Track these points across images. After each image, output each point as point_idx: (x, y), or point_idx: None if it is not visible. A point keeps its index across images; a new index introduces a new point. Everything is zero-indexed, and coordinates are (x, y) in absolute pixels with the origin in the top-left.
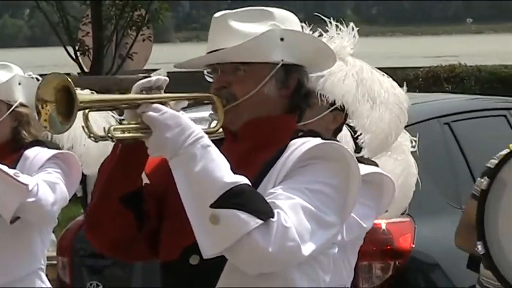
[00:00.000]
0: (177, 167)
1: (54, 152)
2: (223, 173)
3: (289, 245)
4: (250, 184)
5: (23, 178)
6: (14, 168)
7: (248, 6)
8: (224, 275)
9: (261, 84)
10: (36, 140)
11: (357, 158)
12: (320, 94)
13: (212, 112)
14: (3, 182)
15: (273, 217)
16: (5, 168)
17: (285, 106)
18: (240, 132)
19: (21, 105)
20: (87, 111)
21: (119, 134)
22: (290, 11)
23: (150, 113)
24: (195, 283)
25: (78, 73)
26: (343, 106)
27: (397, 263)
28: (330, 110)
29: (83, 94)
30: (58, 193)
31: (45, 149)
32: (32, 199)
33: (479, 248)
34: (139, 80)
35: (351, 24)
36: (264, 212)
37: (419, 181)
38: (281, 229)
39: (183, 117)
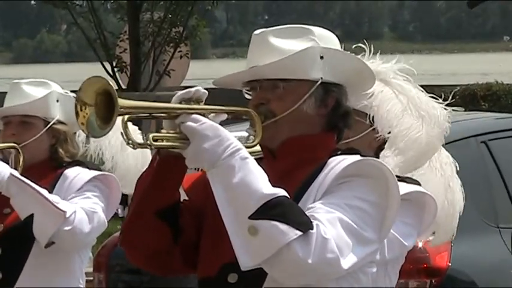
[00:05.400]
0: (215, 178)
1: (94, 173)
2: (262, 184)
3: (329, 257)
4: (288, 197)
5: (62, 205)
6: (53, 187)
7: (285, 22)
8: None
9: (300, 102)
10: (77, 160)
11: (399, 177)
12: (367, 114)
13: (250, 127)
14: (42, 207)
15: (312, 229)
16: (45, 193)
17: (323, 125)
18: (278, 151)
19: (59, 122)
20: (126, 117)
21: (157, 143)
22: (327, 29)
23: (189, 123)
24: None
25: (116, 89)
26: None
27: (433, 281)
28: (372, 128)
29: (124, 100)
30: (95, 222)
31: (86, 169)
32: (68, 227)
33: None
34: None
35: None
36: (303, 223)
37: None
38: (320, 240)
39: (221, 128)
